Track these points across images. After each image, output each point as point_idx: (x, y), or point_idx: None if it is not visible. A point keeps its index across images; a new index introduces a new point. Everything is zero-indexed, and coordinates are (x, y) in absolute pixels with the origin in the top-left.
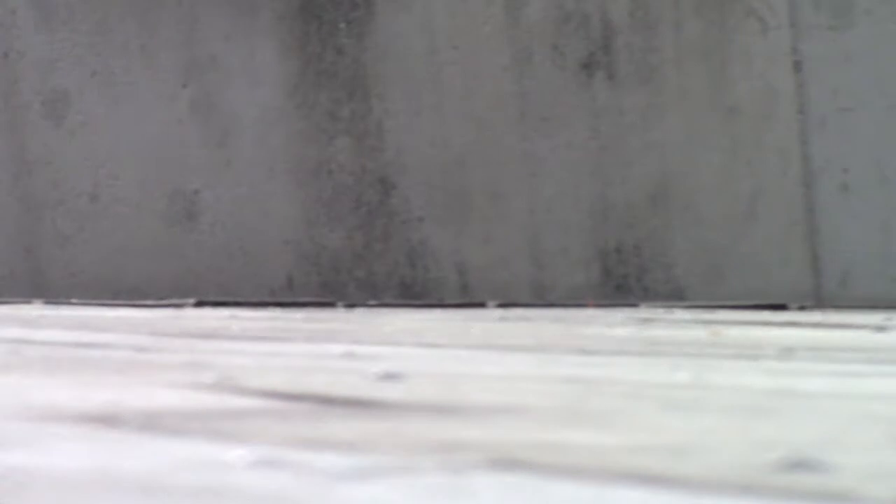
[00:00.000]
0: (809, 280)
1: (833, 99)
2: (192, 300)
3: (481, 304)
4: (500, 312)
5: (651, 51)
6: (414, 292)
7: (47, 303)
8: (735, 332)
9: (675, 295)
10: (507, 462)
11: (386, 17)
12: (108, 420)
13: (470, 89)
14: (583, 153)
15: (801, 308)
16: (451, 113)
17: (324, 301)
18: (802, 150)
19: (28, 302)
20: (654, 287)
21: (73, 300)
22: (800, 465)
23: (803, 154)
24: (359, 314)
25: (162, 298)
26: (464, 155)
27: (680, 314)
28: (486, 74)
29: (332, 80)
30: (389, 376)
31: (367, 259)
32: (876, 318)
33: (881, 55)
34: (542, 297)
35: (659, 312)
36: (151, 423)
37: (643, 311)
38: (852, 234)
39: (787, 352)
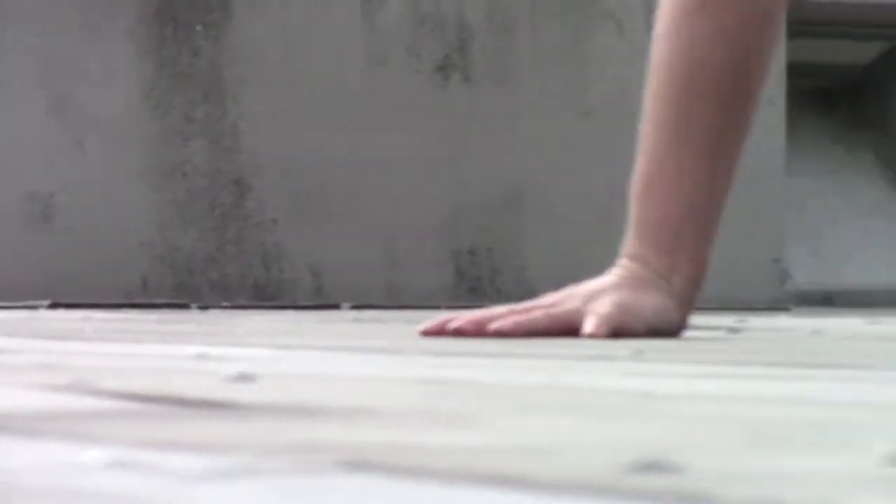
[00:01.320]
0: None
1: None
2: (46, 302)
3: (335, 306)
4: (353, 314)
5: (507, 53)
6: (268, 294)
7: None
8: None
9: (528, 296)
10: (360, 463)
11: (242, 21)
12: None
13: (326, 92)
14: (438, 155)
15: None
16: (307, 115)
17: (178, 303)
18: None
19: None
20: (506, 289)
21: None
22: (653, 466)
23: None
24: (212, 316)
25: (16, 300)
26: (319, 157)
27: None
28: (342, 77)
29: (187, 82)
30: (243, 378)
31: (221, 261)
32: (728, 319)
33: None
34: (395, 298)
35: None
36: (5, 424)
37: None
38: None
39: (639, 353)
